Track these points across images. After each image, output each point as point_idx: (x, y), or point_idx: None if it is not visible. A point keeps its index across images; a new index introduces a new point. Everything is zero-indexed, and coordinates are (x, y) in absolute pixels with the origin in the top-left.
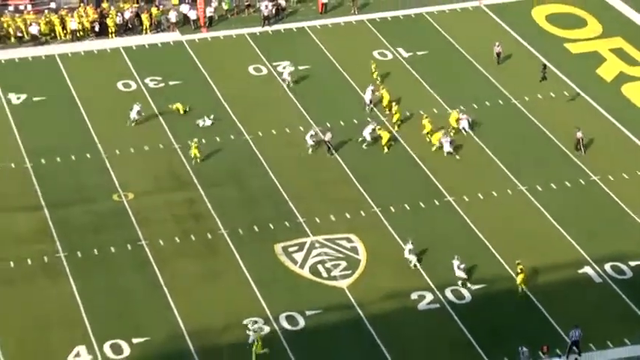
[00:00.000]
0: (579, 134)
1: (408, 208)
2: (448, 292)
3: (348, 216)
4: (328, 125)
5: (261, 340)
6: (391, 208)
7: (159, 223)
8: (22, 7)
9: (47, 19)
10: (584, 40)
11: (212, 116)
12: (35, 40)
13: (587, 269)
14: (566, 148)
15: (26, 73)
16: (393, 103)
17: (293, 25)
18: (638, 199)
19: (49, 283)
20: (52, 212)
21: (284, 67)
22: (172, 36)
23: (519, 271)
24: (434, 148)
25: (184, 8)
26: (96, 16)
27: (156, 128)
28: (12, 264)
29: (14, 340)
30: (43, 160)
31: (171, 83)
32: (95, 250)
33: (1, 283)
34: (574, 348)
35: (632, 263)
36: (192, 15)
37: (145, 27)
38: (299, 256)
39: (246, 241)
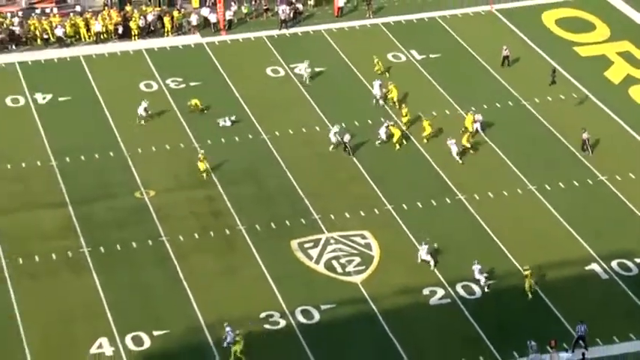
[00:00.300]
0: (585, 135)
1: (421, 205)
2: (459, 288)
3: (362, 213)
4: (344, 126)
5: (241, 345)
6: (404, 205)
7: (179, 220)
8: (48, 10)
9: (72, 22)
10: (593, 43)
11: (234, 117)
12: (61, 42)
13: (594, 266)
14: (574, 149)
15: (52, 74)
16: (403, 105)
17: (310, 28)
18: None
19: (73, 277)
20: (76, 209)
21: (303, 63)
22: (193, 38)
23: (526, 276)
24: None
25: (205, 12)
26: (119, 19)
27: (177, 128)
28: (37, 259)
29: (39, 333)
30: (67, 159)
31: (191, 84)
32: (118, 246)
33: (26, 278)
34: (580, 342)
35: (638, 260)
36: (213, 18)
37: (166, 30)
38: (314, 252)
39: (263, 237)
